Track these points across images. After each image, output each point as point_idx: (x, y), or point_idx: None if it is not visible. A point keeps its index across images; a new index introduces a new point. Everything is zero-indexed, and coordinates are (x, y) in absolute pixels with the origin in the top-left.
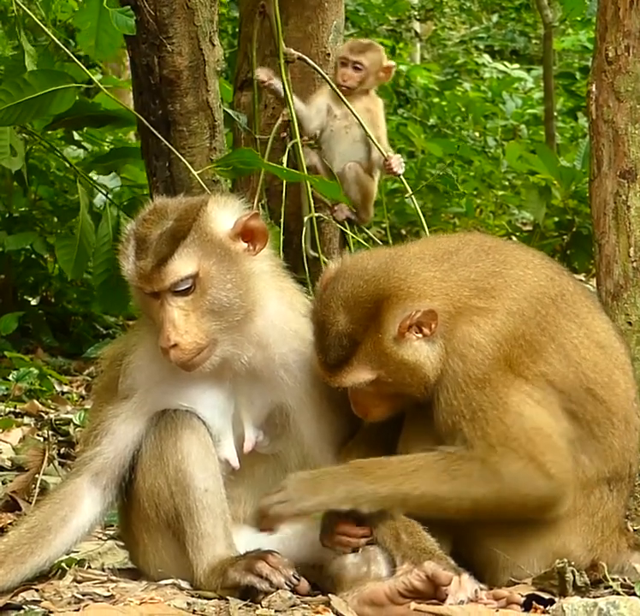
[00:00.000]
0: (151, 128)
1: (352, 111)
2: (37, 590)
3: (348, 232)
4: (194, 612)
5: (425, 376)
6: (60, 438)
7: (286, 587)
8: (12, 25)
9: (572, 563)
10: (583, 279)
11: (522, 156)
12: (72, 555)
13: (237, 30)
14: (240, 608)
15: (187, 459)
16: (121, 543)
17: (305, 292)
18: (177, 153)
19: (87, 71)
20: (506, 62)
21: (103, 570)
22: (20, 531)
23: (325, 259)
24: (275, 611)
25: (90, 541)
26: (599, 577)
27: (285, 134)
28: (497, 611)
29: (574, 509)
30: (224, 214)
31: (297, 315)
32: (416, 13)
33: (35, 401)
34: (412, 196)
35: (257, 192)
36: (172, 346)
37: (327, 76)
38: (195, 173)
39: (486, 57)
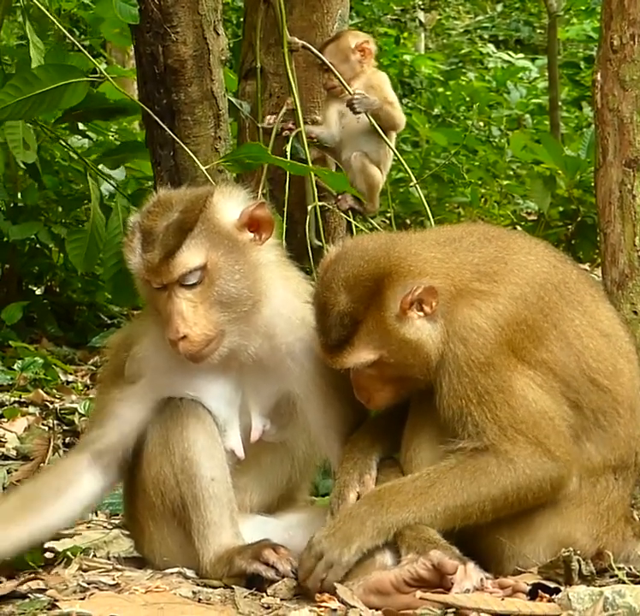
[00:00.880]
0: (156, 118)
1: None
2: (42, 579)
3: (352, 221)
4: (200, 600)
5: (427, 355)
6: (65, 427)
7: (292, 575)
8: (17, 15)
9: (578, 552)
10: (588, 269)
11: (526, 146)
12: (77, 544)
13: (241, 19)
14: (245, 597)
15: (193, 448)
16: (127, 532)
17: (310, 281)
18: (181, 143)
19: (93, 60)
20: (510, 52)
21: (109, 558)
22: (8, 499)
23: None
24: (281, 599)
25: (95, 529)
26: (605, 566)
27: (291, 127)
28: (503, 599)
29: (580, 498)
30: (230, 204)
31: (302, 303)
32: (420, 2)
33: (40, 391)
34: (417, 185)
35: (261, 182)
36: (181, 338)
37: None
38: (199, 162)
39: (490, 47)
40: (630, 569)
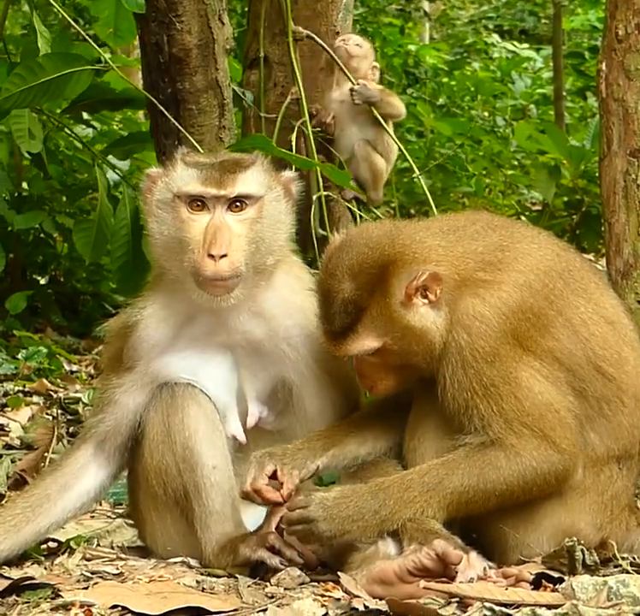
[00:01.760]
0: (161, 107)
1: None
2: (46, 568)
3: (356, 211)
4: (203, 590)
5: (431, 343)
6: (69, 417)
7: (298, 560)
8: (22, 4)
9: (582, 541)
10: (593, 259)
11: (531, 136)
12: (81, 533)
13: (246, 9)
14: (249, 586)
15: (195, 437)
16: (130, 521)
17: (313, 270)
18: (186, 132)
19: (99, 50)
20: (515, 42)
21: (113, 548)
22: (16, 502)
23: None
24: (285, 589)
25: (99, 519)
26: (608, 556)
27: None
28: (506, 589)
29: (584, 487)
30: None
31: (303, 290)
32: None
33: (44, 380)
34: (421, 176)
35: None
36: (222, 256)
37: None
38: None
39: (495, 37)
40: (633, 559)
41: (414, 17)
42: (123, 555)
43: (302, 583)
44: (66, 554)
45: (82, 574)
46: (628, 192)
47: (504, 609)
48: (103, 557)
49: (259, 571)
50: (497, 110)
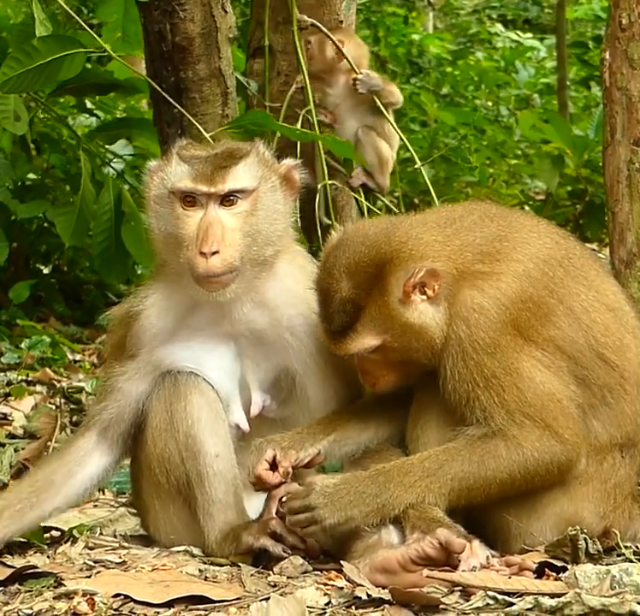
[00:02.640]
0: (165, 95)
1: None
2: (48, 557)
3: (361, 199)
4: (206, 578)
5: (431, 339)
6: (72, 406)
7: (300, 545)
8: None
9: (585, 530)
10: (596, 248)
11: (535, 126)
12: (84, 522)
13: None
14: (252, 575)
15: (197, 425)
16: (133, 510)
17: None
18: (191, 118)
19: (99, 39)
20: (518, 32)
21: (115, 536)
22: (21, 487)
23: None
24: (288, 577)
25: (102, 508)
26: (611, 545)
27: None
28: (510, 578)
29: (587, 476)
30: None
31: (306, 280)
32: None
33: (47, 369)
34: (423, 166)
35: None
36: (213, 253)
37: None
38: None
39: (499, 27)
40: (637, 547)
41: (418, 7)
42: (126, 544)
43: (305, 572)
44: (69, 543)
45: (85, 563)
46: (631, 180)
47: (507, 598)
48: (106, 546)
49: (262, 560)
50: (501, 100)
